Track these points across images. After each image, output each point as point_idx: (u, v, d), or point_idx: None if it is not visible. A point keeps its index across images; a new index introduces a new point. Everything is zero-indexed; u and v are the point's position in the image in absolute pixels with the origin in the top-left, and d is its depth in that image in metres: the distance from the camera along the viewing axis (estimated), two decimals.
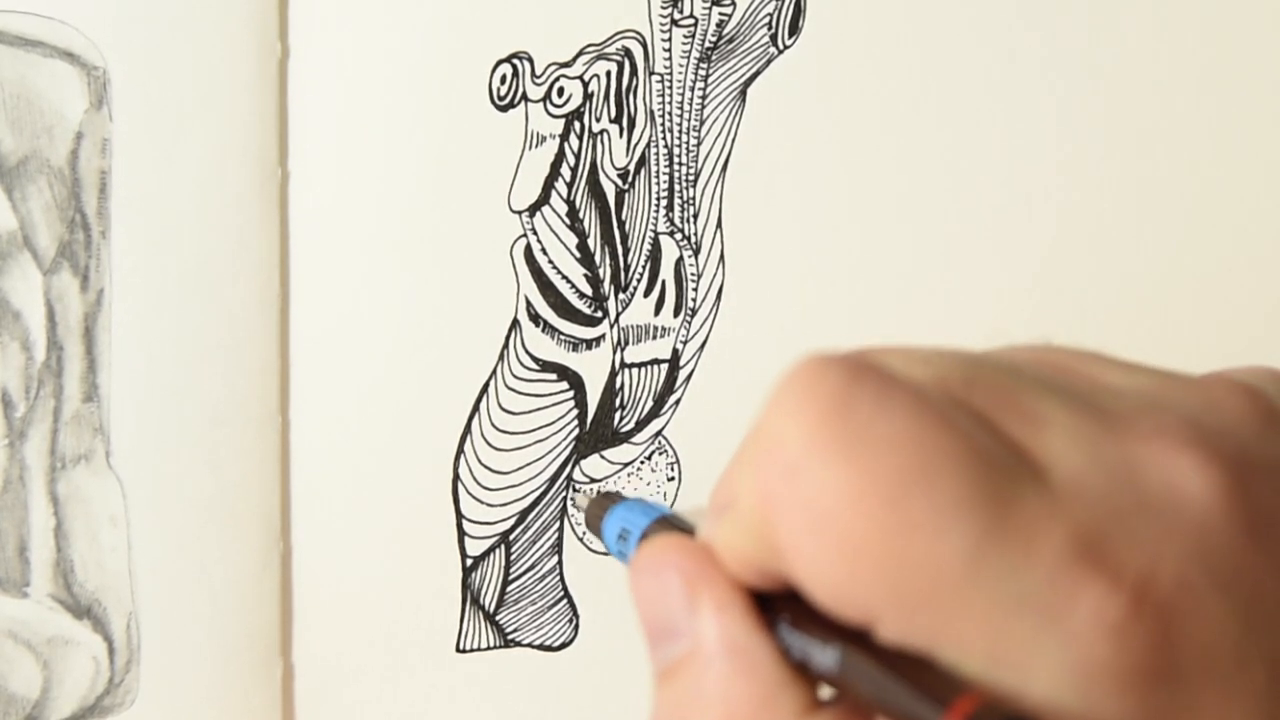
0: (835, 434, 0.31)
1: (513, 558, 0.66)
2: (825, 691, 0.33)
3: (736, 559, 0.34)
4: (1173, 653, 0.30)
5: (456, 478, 0.65)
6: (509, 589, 0.67)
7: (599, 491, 0.41)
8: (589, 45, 0.64)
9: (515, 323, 0.65)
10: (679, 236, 0.66)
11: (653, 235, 0.66)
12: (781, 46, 0.66)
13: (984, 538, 0.30)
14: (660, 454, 0.67)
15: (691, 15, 0.65)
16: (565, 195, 0.65)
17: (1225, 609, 0.30)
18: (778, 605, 0.33)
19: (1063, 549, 0.30)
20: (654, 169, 0.65)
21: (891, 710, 0.31)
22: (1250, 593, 0.31)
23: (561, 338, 0.66)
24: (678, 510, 0.39)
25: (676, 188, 0.66)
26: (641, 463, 0.67)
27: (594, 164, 0.65)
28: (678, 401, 0.67)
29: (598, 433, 0.66)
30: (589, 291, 0.66)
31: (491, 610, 0.67)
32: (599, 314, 0.66)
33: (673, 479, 0.68)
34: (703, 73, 0.65)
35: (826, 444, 0.31)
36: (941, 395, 0.32)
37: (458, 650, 0.66)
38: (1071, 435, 0.32)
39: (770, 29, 0.66)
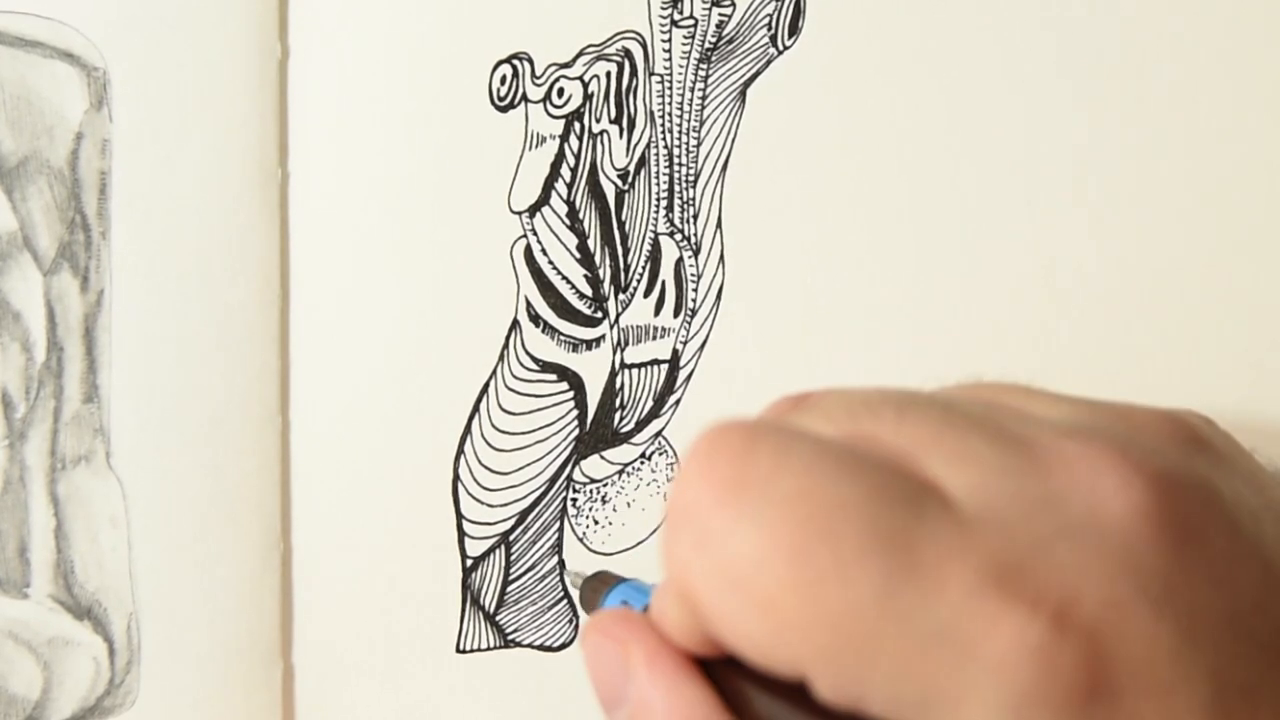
0: (737, 495, 0.32)
1: (513, 558, 0.67)
2: None
3: (679, 630, 0.34)
4: (1105, 671, 0.30)
5: (456, 478, 0.65)
6: (509, 589, 0.67)
7: (593, 574, 0.42)
8: (589, 46, 0.64)
9: (515, 323, 0.65)
10: (679, 237, 0.66)
11: (653, 236, 0.66)
12: (781, 47, 0.66)
13: (890, 579, 0.31)
14: (660, 454, 0.67)
15: (691, 16, 0.65)
16: (565, 196, 0.65)
17: (1159, 624, 0.30)
18: (741, 673, 0.34)
19: (974, 580, 0.30)
20: (654, 169, 0.65)
21: None
22: (1186, 607, 0.31)
23: (561, 338, 0.66)
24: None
25: (676, 188, 0.66)
26: (641, 463, 0.67)
27: (594, 164, 0.65)
28: (678, 402, 0.67)
29: (598, 433, 0.67)
30: (589, 292, 0.66)
31: (491, 611, 0.67)
32: (599, 314, 0.66)
33: (672, 479, 0.68)
34: (702, 73, 0.65)
35: (729, 506, 0.32)
36: (846, 445, 0.32)
37: (458, 651, 0.66)
38: (990, 468, 0.32)
39: (770, 30, 0.66)
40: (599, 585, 0.42)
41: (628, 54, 0.65)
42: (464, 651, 0.66)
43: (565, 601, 0.67)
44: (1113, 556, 0.31)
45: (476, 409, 0.65)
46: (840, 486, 0.31)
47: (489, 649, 0.67)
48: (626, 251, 0.66)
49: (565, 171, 0.65)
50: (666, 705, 0.34)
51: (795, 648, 0.31)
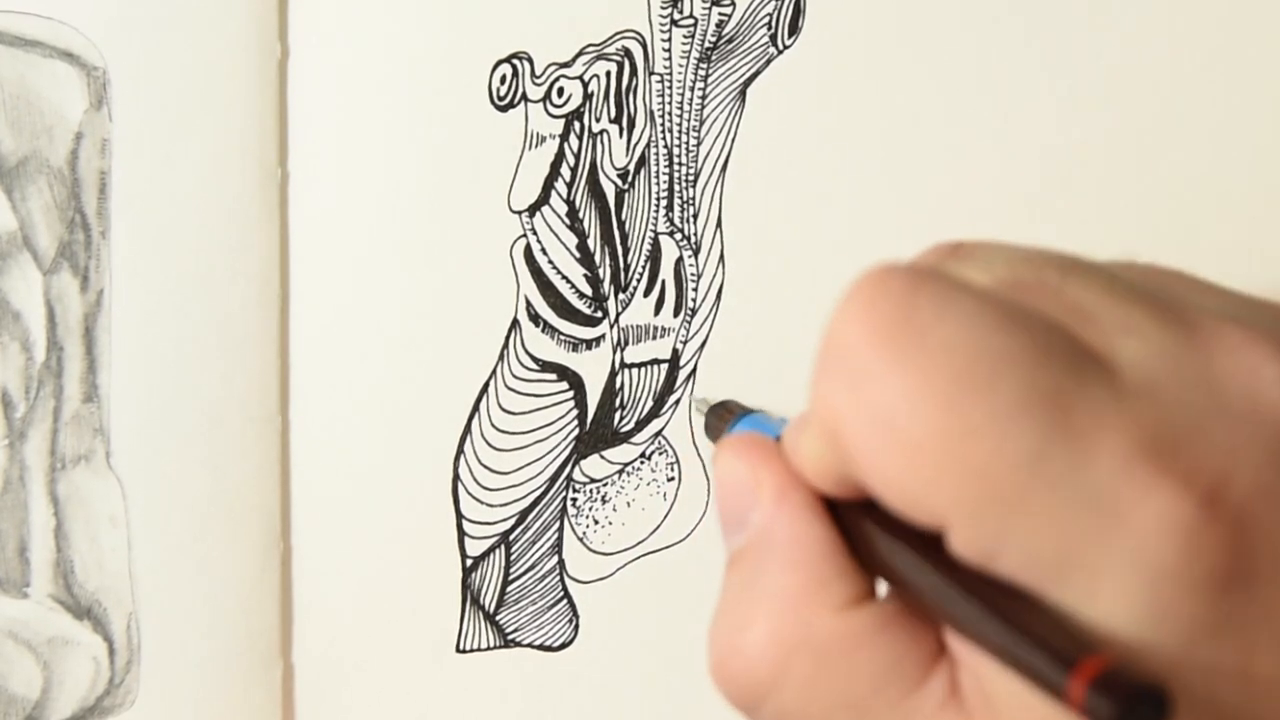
0: (896, 339, 0.32)
1: (513, 558, 0.67)
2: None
3: (816, 468, 0.34)
4: (1247, 557, 0.30)
5: (456, 478, 0.65)
6: (509, 589, 0.67)
7: (719, 401, 0.42)
8: (589, 45, 0.64)
9: (515, 323, 0.65)
10: (679, 236, 0.66)
11: (652, 235, 0.66)
12: (781, 46, 0.66)
13: (1044, 438, 0.30)
14: (660, 454, 0.67)
15: (691, 15, 0.65)
16: (565, 195, 0.65)
17: None
18: (873, 519, 0.34)
19: (1128, 450, 0.30)
20: (654, 169, 0.65)
21: (1002, 653, 0.31)
22: None
23: (561, 338, 0.66)
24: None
25: (676, 188, 0.66)
26: (641, 462, 0.67)
27: (594, 164, 0.65)
28: (678, 401, 0.67)
29: (598, 433, 0.67)
30: (589, 291, 0.66)
31: (491, 610, 0.67)
32: (599, 314, 0.66)
33: (673, 479, 0.68)
34: (702, 73, 0.65)
35: (888, 350, 0.32)
36: (1009, 299, 0.32)
37: (458, 650, 0.66)
38: (1152, 340, 0.32)
39: (770, 29, 0.66)
40: (725, 414, 0.41)
41: (627, 53, 0.65)
42: (464, 651, 0.66)
43: (565, 601, 0.67)
44: (1267, 444, 0.31)
45: (476, 409, 0.65)
46: (1001, 339, 0.31)
47: (489, 649, 0.67)
48: (626, 251, 0.66)
49: (565, 171, 0.65)
50: (789, 537, 0.34)
51: (939, 496, 0.31)
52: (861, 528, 0.34)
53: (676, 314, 0.67)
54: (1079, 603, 0.31)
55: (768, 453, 0.36)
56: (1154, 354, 0.32)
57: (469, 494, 0.66)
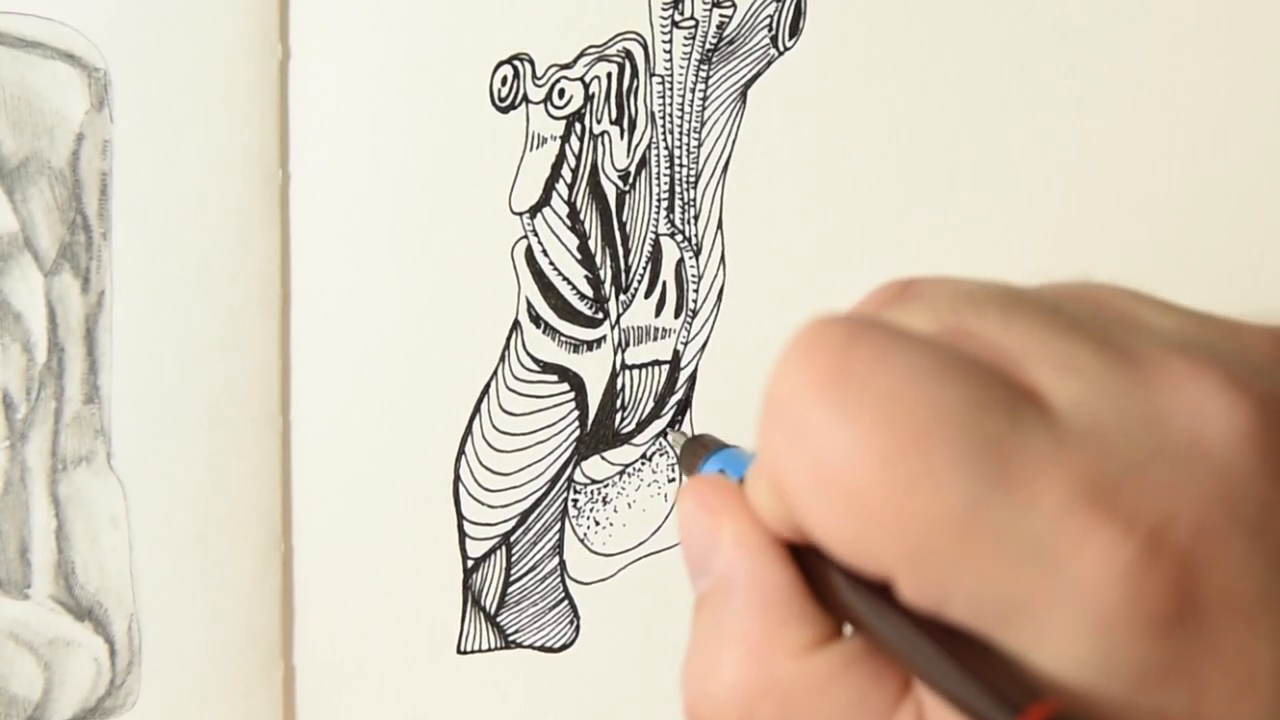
0: (833, 391, 0.32)
1: (514, 559, 0.67)
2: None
3: (769, 515, 0.35)
4: (1192, 597, 0.30)
5: (457, 479, 0.65)
6: (510, 590, 0.67)
7: (692, 435, 0.42)
8: (590, 47, 0.64)
9: (516, 324, 0.65)
10: (680, 238, 0.66)
11: (653, 236, 0.66)
12: (782, 48, 0.66)
13: (982, 487, 0.30)
14: (661, 455, 0.67)
15: (692, 17, 0.65)
16: (566, 197, 0.65)
17: (1249, 552, 0.30)
18: (832, 562, 0.34)
19: (1067, 495, 0.30)
20: (655, 170, 0.65)
21: (952, 698, 0.31)
22: (1278, 536, 0.31)
23: (562, 339, 0.66)
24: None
25: (677, 189, 0.66)
26: (642, 464, 0.67)
27: (595, 165, 0.65)
28: (679, 403, 0.67)
29: (598, 434, 0.67)
30: (590, 293, 0.66)
31: (492, 611, 0.67)
32: (600, 315, 0.66)
33: (673, 480, 0.68)
34: (703, 74, 0.65)
35: (825, 402, 0.32)
36: (948, 346, 0.32)
37: (458, 651, 0.66)
38: (1093, 379, 0.32)
39: (771, 31, 0.66)
40: (699, 449, 0.42)
41: (628, 55, 0.65)
42: (464, 652, 0.66)
43: (566, 602, 0.67)
44: (1211, 482, 0.31)
45: (477, 410, 0.65)
46: (938, 389, 0.31)
47: (490, 650, 0.67)
48: (627, 252, 0.66)
49: (566, 172, 0.65)
50: (749, 581, 0.34)
51: (881, 548, 0.31)
52: (820, 571, 0.34)
53: (677, 315, 0.67)
54: (1027, 649, 0.31)
55: (728, 497, 0.36)
56: (1095, 393, 0.31)
57: (470, 495, 0.66)
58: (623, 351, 0.66)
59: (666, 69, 0.65)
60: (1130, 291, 0.35)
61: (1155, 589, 0.30)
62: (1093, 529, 0.30)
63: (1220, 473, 0.31)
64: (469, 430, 0.65)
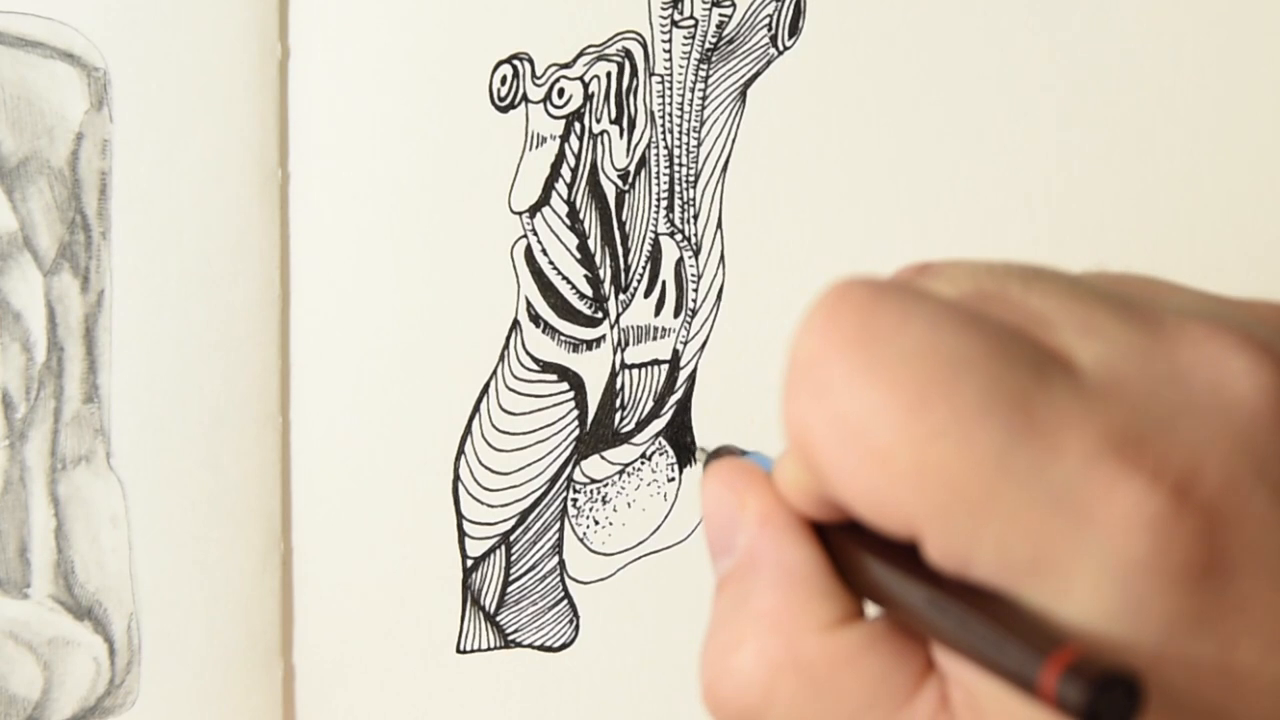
0: (859, 348, 0.32)
1: (513, 558, 0.67)
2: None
3: (797, 490, 0.35)
4: (1221, 549, 0.30)
5: (457, 478, 0.65)
6: (509, 590, 0.67)
7: (716, 449, 0.42)
8: (589, 46, 0.64)
9: (515, 323, 0.65)
10: (679, 237, 0.66)
11: (653, 236, 0.66)
12: (781, 47, 0.66)
13: (1009, 438, 0.31)
14: (660, 454, 0.67)
15: (692, 16, 0.65)
16: (565, 196, 0.65)
17: (1274, 506, 0.30)
18: (856, 538, 0.34)
19: (1094, 446, 0.30)
20: (654, 170, 0.65)
21: (979, 657, 0.31)
22: None
23: (562, 338, 0.66)
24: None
25: (677, 188, 0.66)
26: (641, 463, 0.67)
27: (594, 165, 0.65)
28: (678, 402, 0.67)
29: (598, 433, 0.67)
30: (589, 292, 0.66)
31: (492, 611, 0.67)
32: (599, 315, 0.66)
33: (673, 479, 0.68)
34: (703, 74, 0.65)
35: (851, 359, 0.32)
36: (972, 307, 0.33)
37: (458, 651, 0.66)
38: (1115, 340, 0.32)
39: (770, 30, 0.66)
40: (723, 455, 0.42)
41: (628, 54, 0.65)
42: (464, 652, 0.66)
43: (565, 602, 0.67)
44: (1236, 436, 0.31)
45: (477, 409, 0.65)
46: (964, 344, 0.31)
47: (489, 649, 0.67)
48: (627, 252, 0.66)
49: (566, 172, 0.65)
50: (774, 559, 0.34)
51: (908, 503, 0.31)
52: (845, 547, 0.34)
53: (677, 315, 0.67)
54: (1054, 602, 0.31)
55: (752, 478, 0.36)
56: (1117, 353, 0.32)
57: (469, 494, 0.66)
58: (622, 351, 0.66)
59: (666, 68, 0.65)
60: (1147, 277, 0.35)
61: (1183, 539, 0.30)
62: (1121, 479, 0.30)
63: (1245, 428, 0.31)
64: (468, 430, 0.65)
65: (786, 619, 0.34)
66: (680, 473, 0.67)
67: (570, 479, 0.67)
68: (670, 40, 0.65)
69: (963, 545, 0.31)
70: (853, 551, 0.34)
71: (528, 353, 0.65)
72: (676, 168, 0.66)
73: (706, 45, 0.65)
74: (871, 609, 0.34)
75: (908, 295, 0.33)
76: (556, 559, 0.67)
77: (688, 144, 0.66)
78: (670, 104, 0.65)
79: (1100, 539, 0.30)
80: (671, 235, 0.66)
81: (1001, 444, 0.31)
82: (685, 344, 0.67)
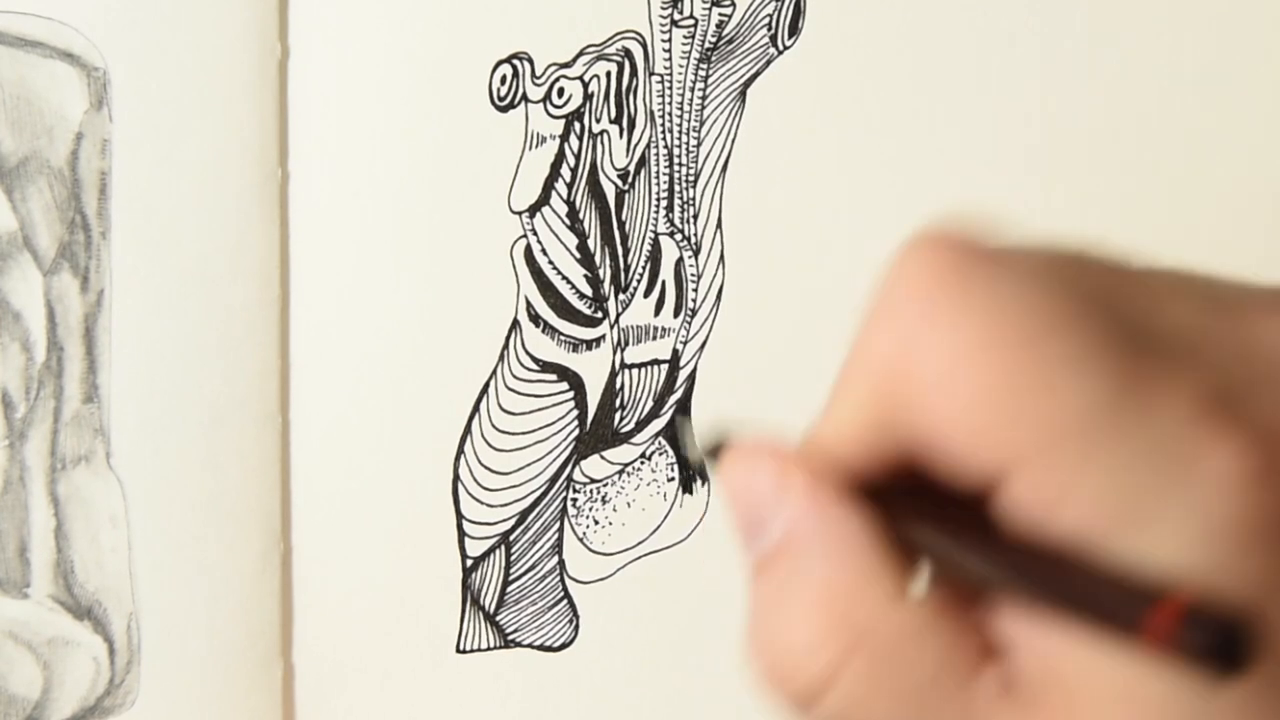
0: (966, 284, 0.32)
1: (513, 558, 0.67)
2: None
3: (852, 443, 0.33)
4: None
5: (456, 478, 0.65)
6: (509, 589, 0.67)
7: (716, 436, 0.41)
8: (589, 46, 0.64)
9: (515, 323, 0.65)
10: (679, 237, 0.66)
11: (653, 236, 0.66)
12: (781, 47, 0.66)
13: (1117, 386, 0.31)
14: (660, 454, 0.67)
15: (691, 16, 0.65)
16: (565, 196, 0.65)
17: None
18: (898, 501, 0.33)
19: (1196, 402, 0.31)
20: (654, 169, 0.65)
21: (1077, 607, 0.30)
22: None
23: (561, 338, 0.66)
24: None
25: (676, 188, 0.66)
26: (641, 463, 0.67)
27: (594, 164, 0.65)
28: (678, 402, 0.67)
29: (598, 433, 0.67)
30: (589, 292, 0.66)
31: (492, 611, 0.67)
32: (599, 314, 0.66)
33: (673, 479, 0.68)
34: (702, 73, 0.65)
35: (958, 293, 0.32)
36: (1063, 268, 0.33)
37: (458, 651, 0.66)
38: (1201, 307, 0.32)
39: (770, 30, 0.66)
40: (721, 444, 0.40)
41: (628, 54, 0.65)
42: (464, 651, 0.66)
43: (565, 602, 0.67)
44: None
45: (476, 409, 0.65)
46: (1066, 293, 0.32)
47: (489, 649, 0.67)
48: (626, 251, 0.66)
49: (565, 171, 0.65)
50: (830, 531, 0.33)
51: (1005, 442, 0.31)
52: (901, 512, 0.33)
53: (677, 314, 0.67)
54: (1143, 552, 0.30)
55: (785, 453, 0.34)
56: (1203, 320, 0.32)
57: (469, 494, 0.66)
58: (622, 350, 0.66)
59: (666, 68, 0.65)
60: (1198, 271, 0.36)
61: (1275, 500, 0.30)
62: (1223, 435, 0.30)
63: None
64: (468, 429, 0.65)
65: (852, 591, 0.33)
66: (680, 472, 0.68)
67: (570, 479, 0.67)
68: (670, 40, 0.65)
69: (1057, 488, 0.31)
70: (912, 515, 0.33)
71: (527, 352, 0.65)
72: (676, 167, 0.66)
73: (706, 45, 0.65)
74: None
75: (1005, 247, 0.33)
76: (556, 559, 0.67)
77: (687, 144, 0.66)
78: (670, 104, 0.65)
79: (1196, 494, 0.30)
80: (671, 235, 0.66)
81: (1113, 390, 0.31)
82: (685, 344, 0.67)
